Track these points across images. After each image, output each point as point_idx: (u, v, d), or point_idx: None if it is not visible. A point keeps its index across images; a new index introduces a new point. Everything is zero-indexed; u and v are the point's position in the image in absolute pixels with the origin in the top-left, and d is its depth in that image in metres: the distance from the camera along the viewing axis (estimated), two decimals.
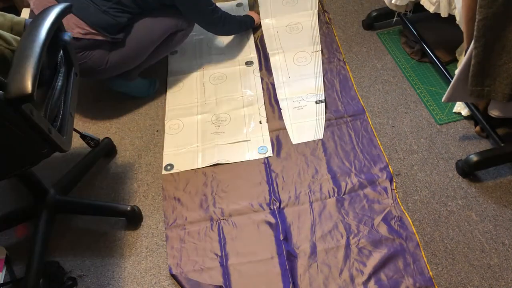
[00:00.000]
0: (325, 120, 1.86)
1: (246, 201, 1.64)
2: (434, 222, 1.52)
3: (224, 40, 2.28)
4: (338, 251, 1.47)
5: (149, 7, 1.83)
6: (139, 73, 2.02)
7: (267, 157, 1.76)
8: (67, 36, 1.42)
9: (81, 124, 1.99)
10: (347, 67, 2.08)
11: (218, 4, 2.48)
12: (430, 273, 1.40)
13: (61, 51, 1.44)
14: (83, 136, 1.65)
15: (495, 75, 1.40)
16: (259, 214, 1.60)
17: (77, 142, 1.82)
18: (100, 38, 1.73)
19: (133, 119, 2.00)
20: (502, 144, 1.59)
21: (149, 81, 2.09)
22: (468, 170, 1.61)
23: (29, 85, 1.06)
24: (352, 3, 2.41)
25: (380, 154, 1.72)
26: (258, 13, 2.35)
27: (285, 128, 1.86)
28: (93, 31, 1.71)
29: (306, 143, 1.80)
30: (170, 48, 2.03)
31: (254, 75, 2.09)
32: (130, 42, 1.82)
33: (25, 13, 2.14)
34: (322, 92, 1.96)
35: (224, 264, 1.49)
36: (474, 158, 1.58)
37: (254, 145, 1.81)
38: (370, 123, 1.84)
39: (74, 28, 1.69)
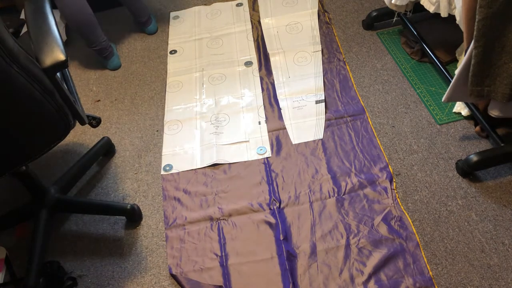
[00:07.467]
0: (325, 120, 1.86)
1: (246, 201, 1.64)
2: (434, 222, 1.52)
3: (223, 40, 2.28)
4: (338, 251, 1.47)
5: None
6: None
7: (267, 157, 1.76)
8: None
9: None
10: (347, 67, 2.08)
11: (218, 4, 2.50)
12: (430, 273, 1.40)
13: None
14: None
15: (495, 75, 1.40)
16: (259, 214, 1.60)
17: (76, 141, 1.82)
18: None
19: (133, 119, 2.00)
20: (502, 144, 1.59)
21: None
22: (468, 170, 1.61)
23: (61, 53, 1.14)
24: (352, 3, 2.41)
25: (380, 154, 1.72)
26: (258, 12, 2.34)
27: (285, 128, 1.86)
28: None
29: (306, 143, 1.79)
30: None
31: (253, 75, 2.09)
32: None
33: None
34: (322, 92, 1.96)
35: (224, 264, 1.49)
36: (474, 158, 1.58)
37: (253, 145, 1.81)
38: (370, 123, 1.83)
39: None
